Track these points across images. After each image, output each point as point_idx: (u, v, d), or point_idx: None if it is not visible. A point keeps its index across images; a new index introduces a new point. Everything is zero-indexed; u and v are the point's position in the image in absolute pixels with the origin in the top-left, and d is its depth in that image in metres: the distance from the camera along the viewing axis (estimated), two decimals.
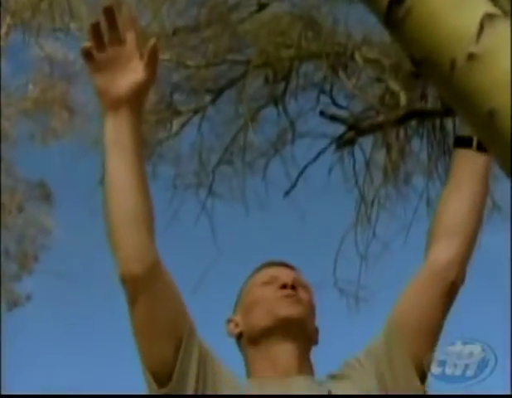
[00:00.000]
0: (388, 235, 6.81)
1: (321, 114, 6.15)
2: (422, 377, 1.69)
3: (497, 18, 0.95)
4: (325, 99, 6.59)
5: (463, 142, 1.72)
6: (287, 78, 7.00)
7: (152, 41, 1.56)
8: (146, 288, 1.55)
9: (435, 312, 1.68)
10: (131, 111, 1.57)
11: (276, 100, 7.14)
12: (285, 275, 1.82)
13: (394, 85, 5.67)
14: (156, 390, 1.56)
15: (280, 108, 7.05)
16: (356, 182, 6.46)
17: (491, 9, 0.96)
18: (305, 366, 1.74)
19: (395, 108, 5.71)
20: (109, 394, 1.99)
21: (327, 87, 6.38)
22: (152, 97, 8.47)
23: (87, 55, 1.56)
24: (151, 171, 7.81)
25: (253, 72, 6.94)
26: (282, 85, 7.00)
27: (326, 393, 1.63)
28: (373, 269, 6.83)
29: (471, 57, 0.93)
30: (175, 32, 6.27)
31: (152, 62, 1.56)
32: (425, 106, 5.85)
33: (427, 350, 1.69)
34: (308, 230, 8.37)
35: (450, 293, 1.68)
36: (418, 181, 7.07)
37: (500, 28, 0.94)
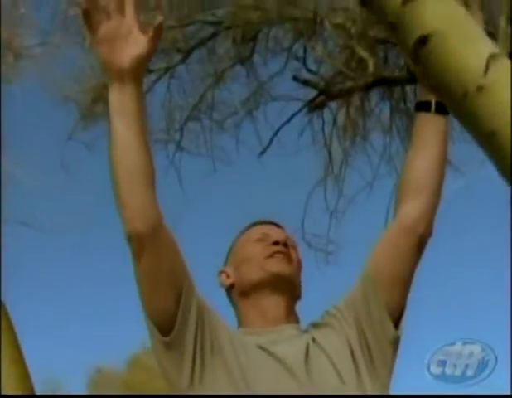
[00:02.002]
0: (353, 191, 7.13)
1: (295, 79, 6.35)
2: (396, 323, 1.78)
3: (499, 57, 1.23)
4: (295, 63, 6.82)
5: (423, 106, 1.83)
6: (254, 39, 7.18)
7: (159, 19, 1.64)
8: (150, 245, 1.65)
9: (406, 263, 1.79)
10: (134, 81, 1.65)
11: (243, 61, 7.33)
12: (276, 234, 1.95)
13: (362, 52, 5.91)
14: (160, 338, 1.68)
15: (249, 69, 7.24)
16: (325, 141, 6.73)
17: (495, 50, 1.24)
18: (291, 316, 1.87)
19: (363, 73, 5.96)
20: (112, 394, 2.13)
21: (299, 52, 6.60)
22: None
23: (86, 16, 1.62)
24: None
25: (222, 33, 7.11)
26: (250, 47, 7.19)
27: (310, 340, 1.77)
28: (338, 223, 7.16)
29: (480, 88, 1.20)
30: None
31: (156, 38, 1.64)
32: (392, 74, 6.12)
33: (401, 298, 1.80)
34: (276, 188, 8.62)
35: (419, 245, 1.80)
36: (379, 140, 7.38)
37: (502, 65, 1.22)
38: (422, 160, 1.82)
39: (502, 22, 4.88)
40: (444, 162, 1.85)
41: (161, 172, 7.45)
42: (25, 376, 2.86)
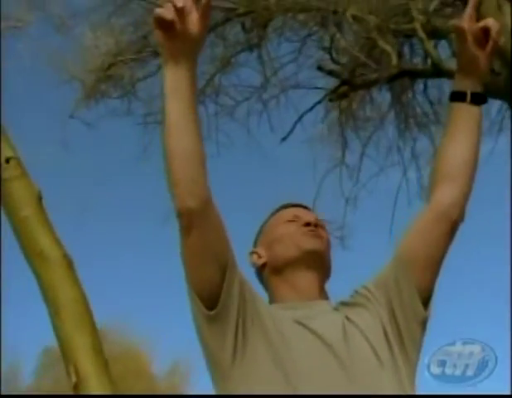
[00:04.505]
0: (366, 179, 7.33)
1: (319, 68, 6.42)
2: (425, 304, 1.84)
3: None
4: (307, 51, 6.94)
5: (458, 96, 1.89)
6: (264, 26, 7.25)
7: None
8: (199, 221, 1.70)
9: (439, 247, 1.86)
10: (189, 61, 1.67)
11: (252, 48, 7.40)
12: (307, 215, 2.01)
13: (384, 45, 6.01)
14: (204, 312, 1.74)
15: (259, 55, 7.33)
16: (342, 131, 6.86)
17: None
18: (323, 293, 1.93)
19: (386, 65, 6.08)
20: (114, 394, 2.12)
21: (322, 41, 6.69)
22: (132, 37, 8.58)
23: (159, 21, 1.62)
24: (126, 108, 8.02)
25: (235, 19, 7.18)
26: (260, 34, 7.27)
27: (343, 318, 1.82)
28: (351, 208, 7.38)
29: None
30: None
31: (205, 16, 1.64)
32: (415, 67, 6.25)
33: (431, 281, 1.86)
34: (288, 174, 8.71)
35: (452, 230, 1.87)
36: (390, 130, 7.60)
37: None
38: (457, 148, 1.87)
39: None
40: (478, 151, 1.90)
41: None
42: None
